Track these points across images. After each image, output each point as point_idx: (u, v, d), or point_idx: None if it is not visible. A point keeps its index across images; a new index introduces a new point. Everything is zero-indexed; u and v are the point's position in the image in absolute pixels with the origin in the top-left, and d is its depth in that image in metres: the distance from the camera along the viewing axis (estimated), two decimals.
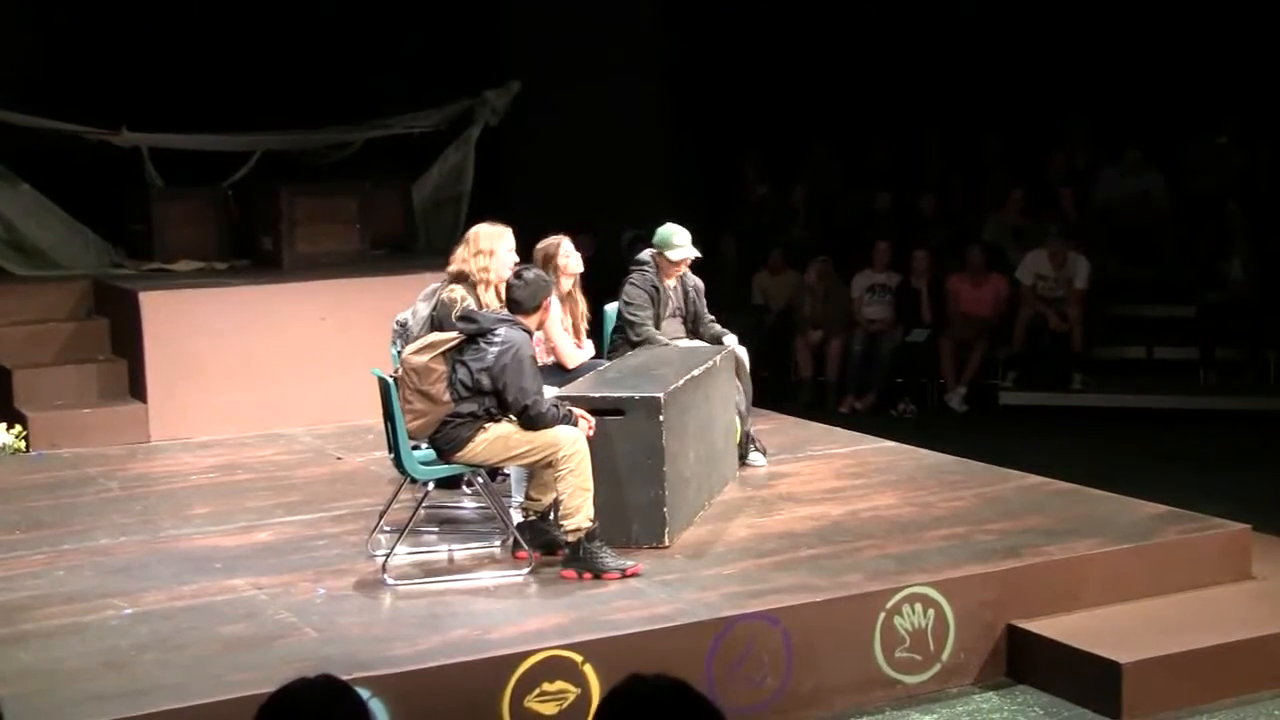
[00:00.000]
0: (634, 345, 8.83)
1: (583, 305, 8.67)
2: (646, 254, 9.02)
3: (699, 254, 9.07)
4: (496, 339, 6.96)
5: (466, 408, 6.96)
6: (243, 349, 10.73)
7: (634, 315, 8.88)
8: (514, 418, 7.01)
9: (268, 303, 10.98)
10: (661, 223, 9.14)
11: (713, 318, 9.23)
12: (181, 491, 9.11)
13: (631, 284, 8.96)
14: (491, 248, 7.94)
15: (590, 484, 6.97)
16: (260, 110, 13.02)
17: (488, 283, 7.88)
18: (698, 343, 9.02)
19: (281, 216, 11.99)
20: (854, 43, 16.58)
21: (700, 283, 9.21)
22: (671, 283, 9.04)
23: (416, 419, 6.97)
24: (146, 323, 10.58)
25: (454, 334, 7.10)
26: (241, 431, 10.52)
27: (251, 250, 12.39)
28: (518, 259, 7.96)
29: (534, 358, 7.06)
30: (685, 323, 9.12)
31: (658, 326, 8.94)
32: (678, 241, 8.92)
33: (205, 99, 13.08)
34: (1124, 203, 14.93)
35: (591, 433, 7.10)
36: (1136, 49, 15.63)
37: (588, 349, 8.70)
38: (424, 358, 6.99)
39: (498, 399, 6.96)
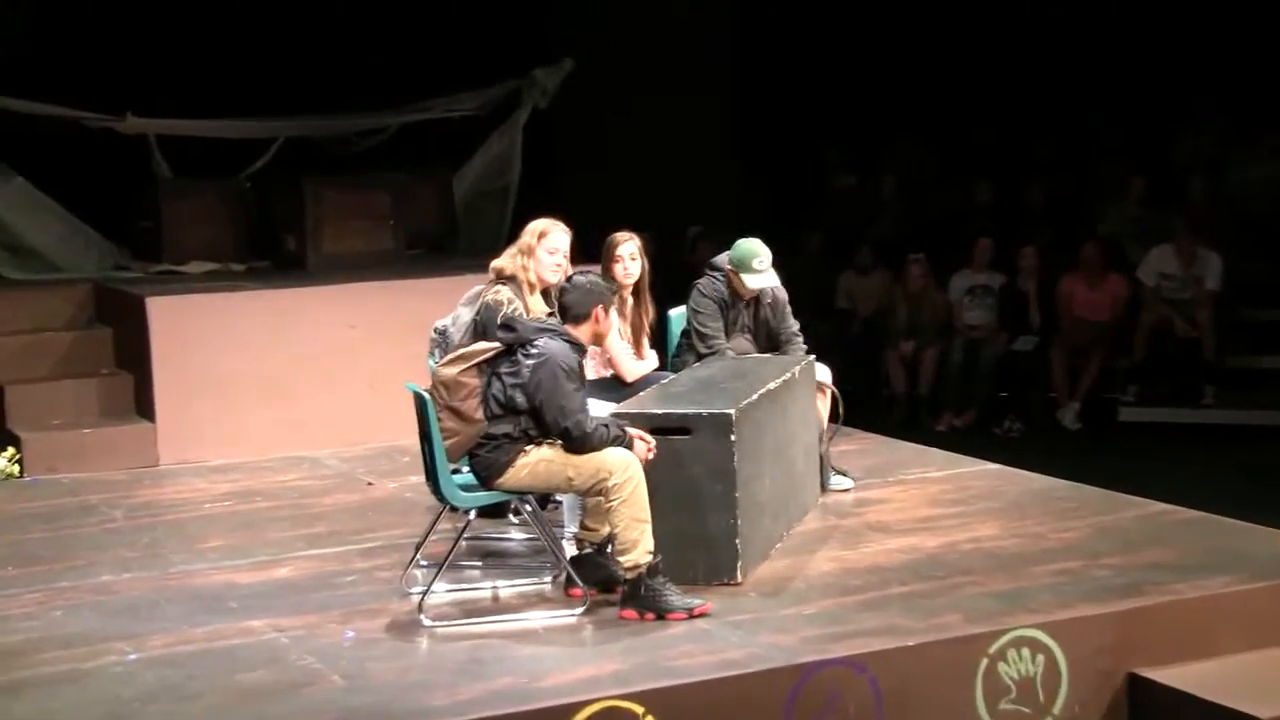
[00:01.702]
0: (700, 357, 8.80)
1: (648, 311, 8.63)
2: (723, 259, 8.95)
3: (776, 284, 8.96)
4: (534, 351, 6.94)
5: (500, 429, 6.93)
6: (262, 361, 10.76)
7: (704, 326, 8.84)
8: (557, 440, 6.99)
9: (291, 309, 11.02)
10: (732, 220, 9.08)
11: (797, 330, 9.14)
12: (193, 521, 9.14)
13: (700, 291, 8.91)
14: (530, 243, 7.96)
15: (646, 513, 6.93)
16: (282, 92, 13.08)
17: (531, 285, 7.89)
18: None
19: (306, 212, 12.05)
20: (949, 15, 16.51)
21: (783, 294, 9.09)
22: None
23: (448, 438, 6.95)
24: (154, 332, 10.61)
25: (491, 344, 7.09)
26: (261, 454, 10.56)
27: (272, 250, 12.45)
28: (561, 261, 7.94)
29: (573, 370, 6.92)
30: (756, 340, 9.05)
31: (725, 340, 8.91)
32: (757, 266, 8.77)
33: (220, 80, 13.16)
34: (1260, 192, 14.81)
35: (652, 455, 7.07)
36: (1271, 17, 15.49)
37: (650, 360, 8.67)
38: (454, 370, 6.98)
39: (535, 420, 6.94)
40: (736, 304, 8.95)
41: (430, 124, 13.62)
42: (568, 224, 8.13)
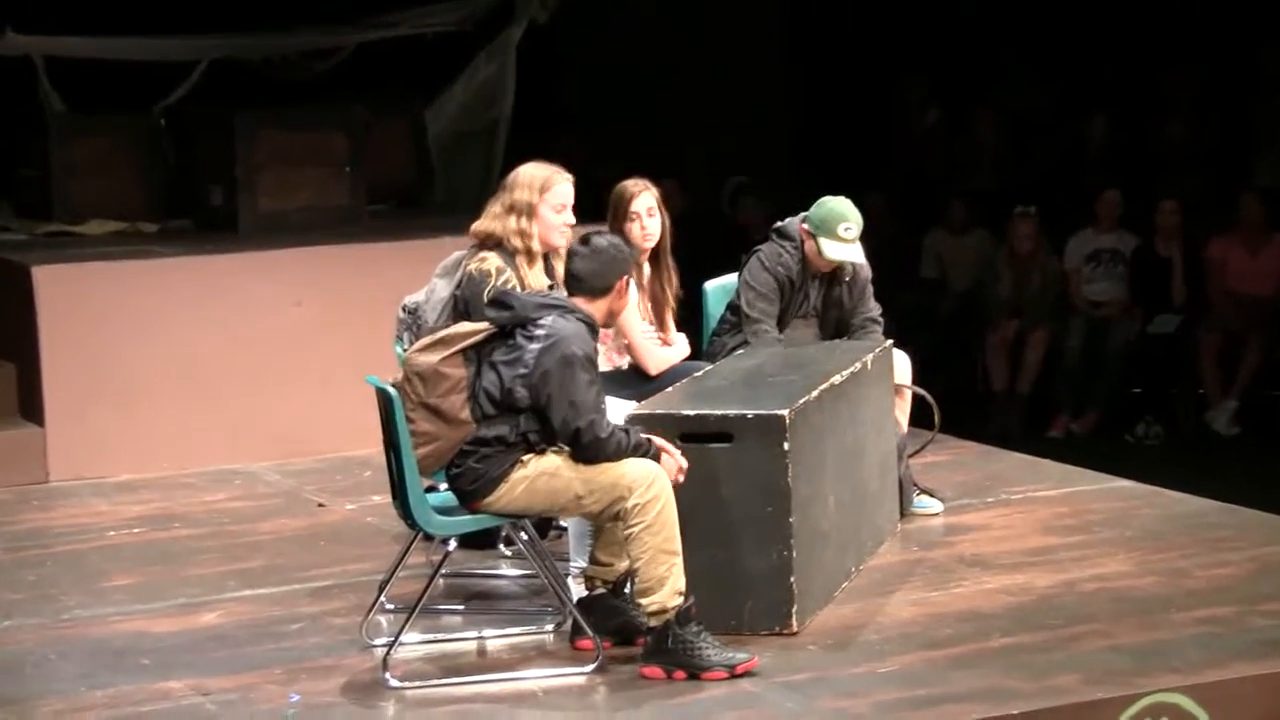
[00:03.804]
0: (745, 342, 8.80)
1: (671, 281, 8.61)
2: (794, 225, 8.95)
3: (861, 259, 8.96)
4: (539, 333, 6.92)
5: (493, 431, 6.93)
6: (182, 349, 10.78)
7: (750, 306, 8.84)
8: (564, 447, 6.99)
9: (219, 282, 11.04)
10: (783, 168, 9.07)
11: (877, 315, 9.15)
12: (94, 554, 9.16)
13: (760, 261, 8.90)
14: (530, 201, 7.87)
15: (677, 544, 6.93)
16: (206, 1, 13.06)
17: (531, 253, 7.84)
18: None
19: (238, 158, 12.06)
20: None
21: (866, 271, 9.11)
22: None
23: (424, 445, 6.95)
24: (43, 311, 10.64)
25: (480, 325, 7.08)
26: (180, 468, 10.59)
27: (195, 207, 12.47)
28: (571, 219, 7.90)
29: (589, 359, 6.94)
30: (823, 329, 9.05)
31: (781, 326, 8.90)
32: (843, 234, 8.79)
33: None
34: None
35: (682, 477, 7.06)
36: None
37: (679, 346, 8.67)
38: (433, 357, 6.98)
39: (539, 420, 6.93)
40: (805, 281, 8.94)
41: (398, 43, 13.61)
42: (572, 173, 8.05)
